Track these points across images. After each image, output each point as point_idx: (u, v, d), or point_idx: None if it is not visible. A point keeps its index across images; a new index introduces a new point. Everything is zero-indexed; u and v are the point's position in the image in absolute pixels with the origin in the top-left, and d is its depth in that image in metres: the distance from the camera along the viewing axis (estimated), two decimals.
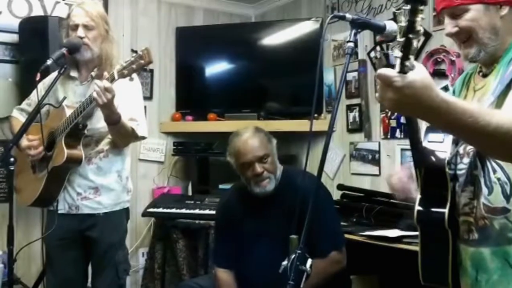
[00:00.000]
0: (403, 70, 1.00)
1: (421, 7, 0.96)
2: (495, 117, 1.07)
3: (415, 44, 0.99)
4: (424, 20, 1.00)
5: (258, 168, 2.20)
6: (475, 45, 1.30)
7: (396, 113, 2.89)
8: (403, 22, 0.98)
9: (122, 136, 2.22)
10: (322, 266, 2.13)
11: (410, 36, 0.98)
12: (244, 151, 2.22)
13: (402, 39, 0.99)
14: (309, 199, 1.44)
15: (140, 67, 1.98)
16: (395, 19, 3.06)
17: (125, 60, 2.01)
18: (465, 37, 1.31)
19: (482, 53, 1.30)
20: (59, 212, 2.24)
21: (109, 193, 2.27)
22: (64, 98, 2.23)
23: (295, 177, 2.23)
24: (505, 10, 1.29)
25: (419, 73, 1.01)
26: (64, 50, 2.13)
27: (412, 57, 1.00)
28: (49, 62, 2.09)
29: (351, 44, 1.41)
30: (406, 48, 0.99)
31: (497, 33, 1.29)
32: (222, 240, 2.40)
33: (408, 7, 0.96)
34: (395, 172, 1.52)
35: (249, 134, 2.25)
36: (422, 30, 1.00)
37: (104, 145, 2.27)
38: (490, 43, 1.29)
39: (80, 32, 2.18)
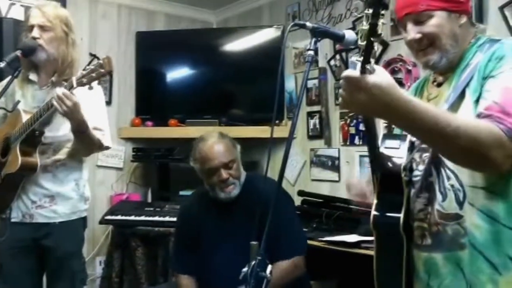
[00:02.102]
0: (364, 73, 1.03)
1: (383, 11, 0.99)
2: (456, 119, 1.12)
3: (376, 47, 1.02)
4: (385, 25, 1.03)
5: (224, 174, 2.19)
6: (437, 52, 1.32)
7: (359, 115, 2.92)
8: (365, 26, 1.01)
9: (87, 146, 2.16)
10: (284, 268, 2.14)
11: (372, 39, 1.00)
12: (211, 157, 2.20)
13: (364, 43, 1.01)
14: (270, 204, 1.45)
15: (100, 76, 1.93)
16: (354, 28, 3.13)
17: (84, 68, 1.96)
18: (426, 44, 1.32)
19: (444, 59, 1.32)
20: (12, 220, 2.16)
21: (65, 202, 2.21)
22: (18, 102, 2.17)
23: (257, 183, 2.24)
24: (463, 19, 1.33)
25: (382, 75, 1.05)
26: (18, 53, 2.07)
27: (372, 61, 1.02)
28: (1, 65, 2.03)
29: (311, 52, 1.43)
30: (368, 51, 1.01)
31: (457, 40, 1.32)
32: (182, 245, 2.38)
33: (371, 10, 0.99)
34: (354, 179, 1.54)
35: (214, 140, 2.25)
36: (383, 34, 1.03)
37: (62, 154, 2.20)
38: (451, 50, 1.32)
39: (35, 32, 2.12)
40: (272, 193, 1.53)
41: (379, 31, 1.00)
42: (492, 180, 1.22)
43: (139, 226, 3.21)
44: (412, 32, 1.33)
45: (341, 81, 1.09)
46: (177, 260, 2.42)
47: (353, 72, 1.05)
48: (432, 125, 1.09)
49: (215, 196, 2.25)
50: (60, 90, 1.93)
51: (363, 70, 1.03)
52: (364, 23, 1.01)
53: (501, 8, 2.50)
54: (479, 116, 1.19)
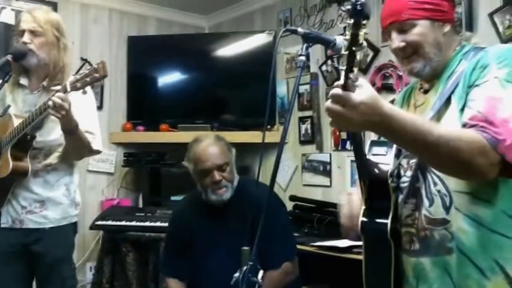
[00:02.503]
0: (347, 82, 1.05)
1: (364, 22, 1.01)
2: (438, 129, 1.14)
3: (359, 57, 1.04)
4: (368, 34, 1.05)
5: (217, 176, 2.19)
6: (421, 60, 1.34)
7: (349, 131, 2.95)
8: (347, 36, 1.03)
9: (78, 148, 2.14)
10: (275, 278, 2.14)
11: (354, 49, 1.03)
12: (204, 158, 2.21)
13: (346, 52, 1.03)
14: (262, 208, 1.45)
15: (95, 80, 1.92)
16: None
17: (79, 72, 1.95)
18: (410, 52, 1.35)
19: (427, 67, 1.34)
20: (2, 226, 2.14)
21: (55, 207, 2.19)
22: (9, 106, 2.15)
23: (250, 187, 2.23)
24: (447, 28, 1.35)
25: (367, 90, 1.08)
26: (9, 57, 2.06)
27: (355, 69, 1.04)
28: None
29: (303, 58, 1.44)
30: (350, 61, 1.04)
31: (440, 48, 1.34)
32: (173, 250, 2.37)
33: (352, 21, 1.01)
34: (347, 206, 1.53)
35: (210, 141, 2.25)
36: (365, 44, 1.05)
37: (53, 159, 2.19)
38: (435, 58, 1.34)
39: (26, 37, 2.11)
40: (264, 198, 1.53)
41: (361, 41, 1.02)
42: (478, 185, 1.23)
43: (130, 232, 3.19)
44: (396, 40, 1.36)
45: (328, 100, 1.09)
46: (167, 264, 2.40)
47: (340, 91, 1.06)
48: (414, 134, 1.11)
49: (207, 199, 2.24)
50: (56, 97, 1.91)
51: (347, 79, 1.05)
52: (347, 33, 1.03)
53: (491, 15, 2.53)
54: (464, 126, 1.21)
